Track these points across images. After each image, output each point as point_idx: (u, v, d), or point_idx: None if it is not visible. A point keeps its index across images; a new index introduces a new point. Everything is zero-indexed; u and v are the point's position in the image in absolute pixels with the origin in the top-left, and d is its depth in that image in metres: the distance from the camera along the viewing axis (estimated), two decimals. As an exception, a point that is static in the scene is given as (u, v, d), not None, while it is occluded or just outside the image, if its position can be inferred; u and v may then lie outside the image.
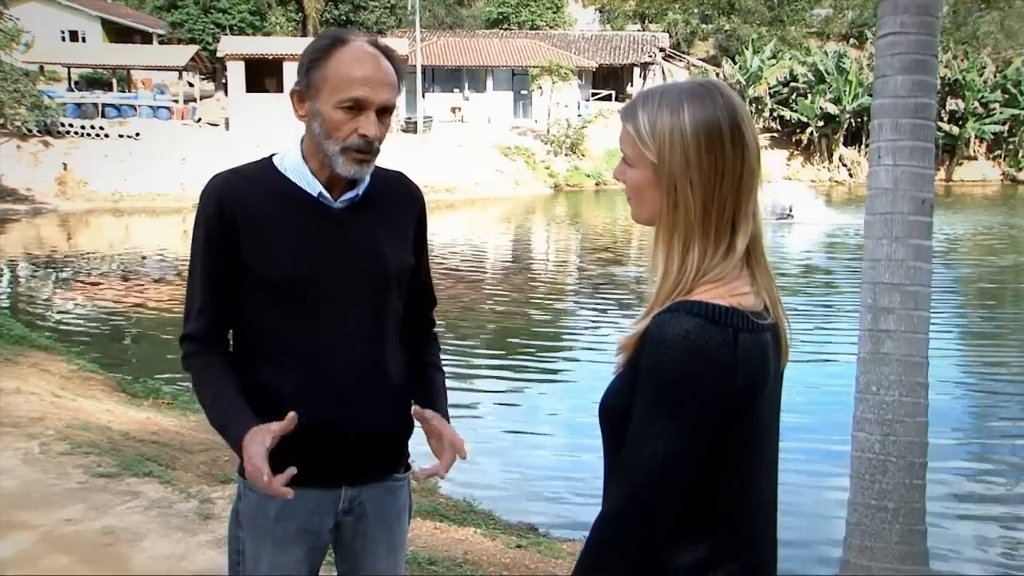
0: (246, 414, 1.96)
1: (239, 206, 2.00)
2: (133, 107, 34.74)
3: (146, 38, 44.58)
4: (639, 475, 1.41)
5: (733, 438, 1.45)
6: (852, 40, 52.93)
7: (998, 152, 44.76)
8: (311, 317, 2.02)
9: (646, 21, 56.20)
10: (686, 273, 1.46)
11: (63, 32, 43.03)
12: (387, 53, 2.01)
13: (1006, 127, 43.54)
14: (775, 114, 43.50)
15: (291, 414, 1.89)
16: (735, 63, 46.10)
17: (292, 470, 1.86)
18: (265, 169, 2.08)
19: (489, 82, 42.79)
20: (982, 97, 42.97)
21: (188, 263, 2.09)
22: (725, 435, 1.43)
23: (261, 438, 1.88)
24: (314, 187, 2.03)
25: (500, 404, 9.22)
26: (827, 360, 10.10)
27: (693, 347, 1.38)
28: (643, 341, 1.44)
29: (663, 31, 52.17)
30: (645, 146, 1.48)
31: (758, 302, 1.48)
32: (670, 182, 1.46)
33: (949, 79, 41.90)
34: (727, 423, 1.42)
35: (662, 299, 1.47)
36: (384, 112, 1.99)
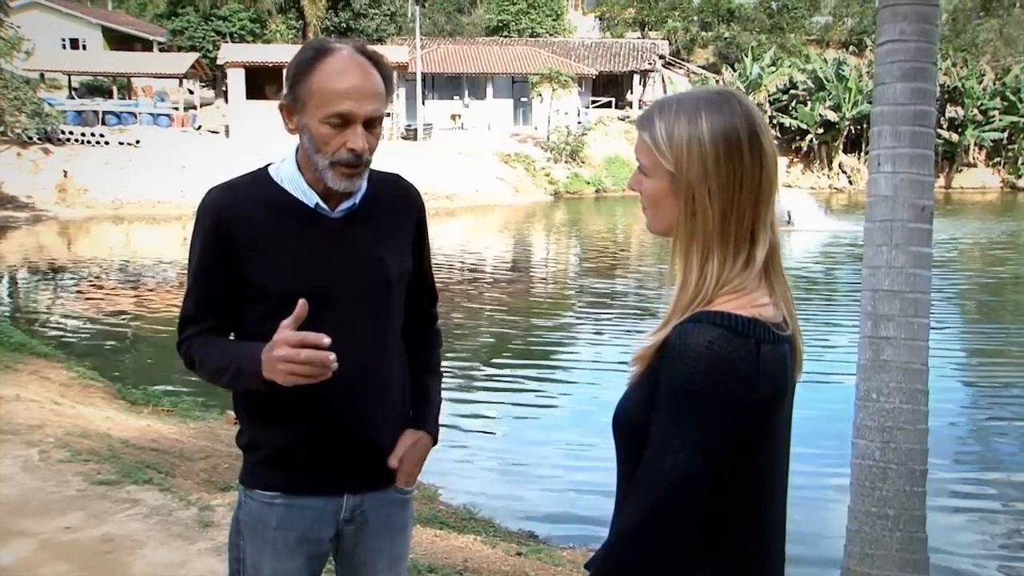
0: (256, 346, 1.90)
1: (237, 220, 1.99)
2: (133, 114, 34.80)
3: (146, 45, 44.72)
4: (660, 487, 1.39)
5: (751, 450, 1.44)
6: (852, 47, 53.03)
7: (997, 159, 44.80)
8: (313, 328, 2.01)
9: (646, 28, 56.29)
10: (705, 284, 1.44)
11: (63, 40, 43.17)
12: (374, 60, 1.98)
13: (1005, 134, 43.57)
14: (775, 121, 43.50)
15: (301, 301, 1.83)
16: (735, 70, 46.23)
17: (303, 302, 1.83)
18: (261, 180, 2.06)
19: (489, 89, 42.87)
20: (981, 104, 43.02)
21: (185, 275, 2.09)
22: (743, 447, 1.42)
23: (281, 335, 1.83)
24: (311, 198, 2.02)
25: (500, 410, 9.21)
26: (826, 367, 10.09)
27: (716, 358, 1.36)
28: (661, 352, 1.42)
29: (663, 38, 52.27)
30: (662, 155, 1.46)
31: (777, 313, 1.47)
32: (688, 192, 1.45)
33: (948, 86, 41.98)
34: (746, 435, 1.41)
35: (681, 309, 1.45)
36: (372, 123, 1.96)
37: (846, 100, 42.42)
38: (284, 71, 2.05)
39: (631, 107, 45.46)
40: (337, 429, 2.03)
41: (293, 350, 1.80)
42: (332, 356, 1.80)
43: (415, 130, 38.44)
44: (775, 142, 1.51)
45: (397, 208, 2.16)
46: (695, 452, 1.38)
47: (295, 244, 2.00)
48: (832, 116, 42.54)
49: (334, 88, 1.91)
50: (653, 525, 1.40)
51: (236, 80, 36.78)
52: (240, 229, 1.99)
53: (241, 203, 2.02)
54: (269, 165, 2.09)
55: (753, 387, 1.39)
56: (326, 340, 1.80)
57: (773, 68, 45.07)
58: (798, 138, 43.66)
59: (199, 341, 2.04)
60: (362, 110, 1.93)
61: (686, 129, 1.44)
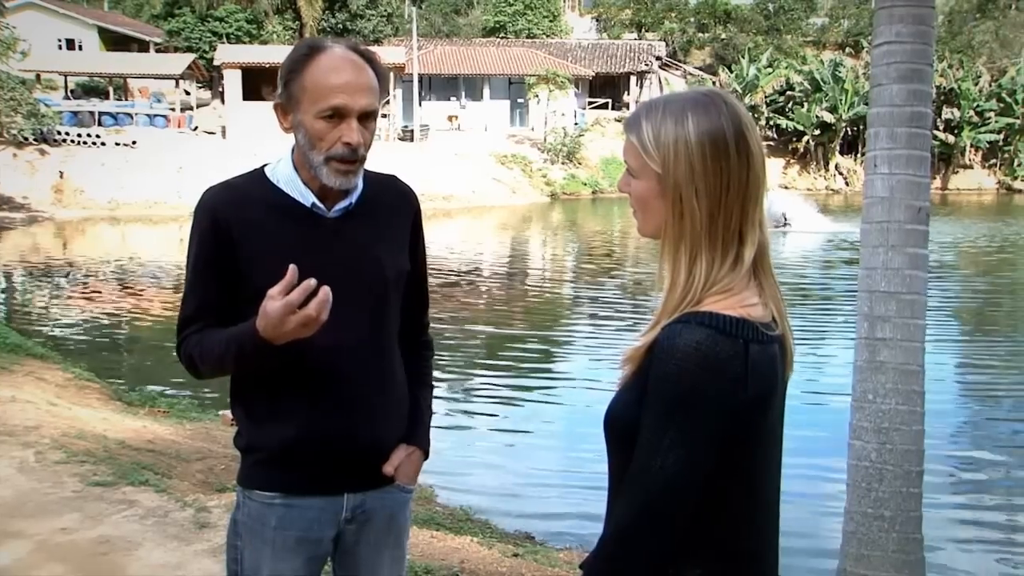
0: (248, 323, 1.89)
1: (234, 220, 1.99)
2: (130, 115, 34.79)
3: (143, 46, 44.69)
4: (649, 488, 1.40)
5: (741, 450, 1.44)
6: (848, 49, 53.06)
7: (993, 161, 44.90)
8: None
9: (643, 30, 56.30)
10: (694, 284, 1.45)
11: (60, 40, 43.14)
12: (367, 57, 2.00)
13: (1001, 136, 43.67)
14: (771, 123, 43.61)
15: (291, 267, 1.81)
16: (731, 72, 46.23)
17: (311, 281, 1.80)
18: (258, 180, 2.07)
19: (486, 90, 42.87)
20: (977, 106, 43.10)
21: (184, 276, 2.09)
22: (733, 447, 1.42)
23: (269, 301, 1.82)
24: (307, 198, 2.03)
25: (497, 413, 9.20)
26: (823, 369, 10.11)
27: (704, 359, 1.37)
28: (651, 353, 1.42)
29: (660, 40, 52.28)
30: (649, 156, 1.47)
31: (766, 313, 1.48)
32: (675, 192, 1.45)
33: (945, 88, 42.00)
34: (736, 435, 1.41)
35: (670, 310, 1.46)
36: (367, 118, 1.97)
37: (842, 102, 42.46)
38: (278, 71, 2.05)
39: (628, 108, 45.40)
40: (337, 429, 2.03)
41: (276, 299, 1.80)
42: (312, 281, 1.79)
43: (412, 131, 38.42)
44: (763, 142, 1.52)
45: (394, 208, 2.16)
46: (684, 453, 1.38)
47: (292, 244, 2.00)
48: (829, 117, 42.58)
49: (328, 83, 1.93)
50: (643, 526, 1.40)
51: (232, 81, 36.74)
52: (237, 229, 1.99)
53: (238, 203, 2.02)
54: (265, 165, 2.10)
55: (742, 387, 1.39)
56: (311, 282, 1.79)
57: (770, 70, 45.09)
58: (794, 139, 43.72)
59: (194, 339, 2.04)
60: (356, 104, 1.94)
61: (672, 130, 1.45)
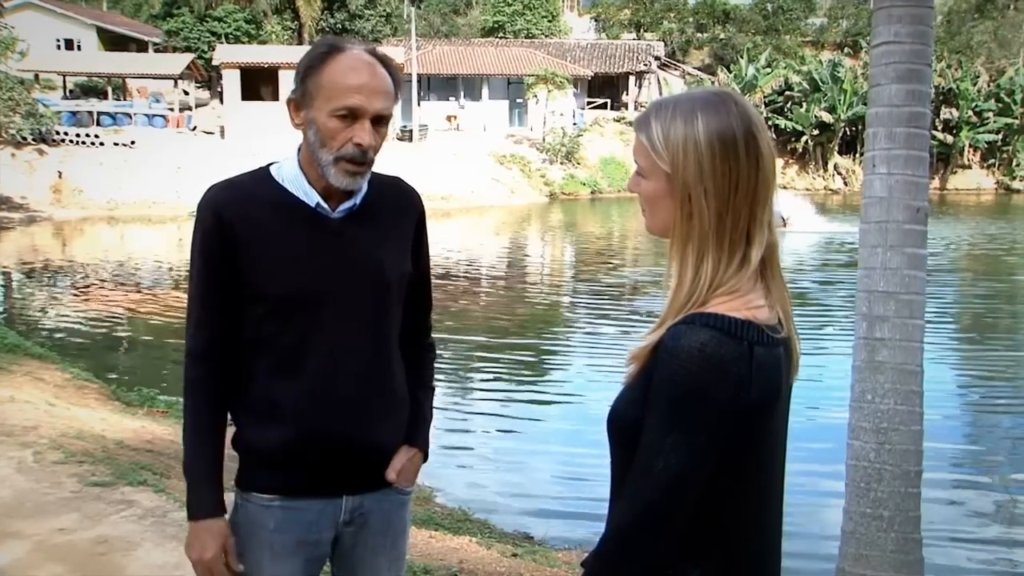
0: (216, 485, 2.10)
1: (237, 218, 1.98)
2: (128, 115, 34.79)
3: (141, 46, 44.71)
4: (651, 488, 1.39)
5: (745, 452, 1.44)
6: (847, 49, 53.07)
7: (992, 161, 44.92)
8: (311, 329, 2.00)
9: (641, 30, 56.33)
10: (700, 284, 1.44)
11: (58, 40, 43.15)
12: (384, 61, 1.99)
13: (1000, 136, 43.70)
14: (770, 123, 43.52)
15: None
16: (730, 72, 46.26)
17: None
18: (262, 179, 2.06)
19: (485, 91, 42.85)
20: (976, 106, 43.12)
21: (188, 274, 2.08)
22: (737, 449, 1.42)
23: (220, 544, 2.02)
24: (312, 197, 2.02)
25: (496, 413, 9.21)
26: (822, 369, 10.10)
27: (708, 360, 1.36)
28: (656, 352, 1.42)
29: (658, 40, 52.31)
30: (659, 156, 1.46)
31: (772, 315, 1.47)
32: (684, 192, 1.45)
33: (943, 88, 42.03)
34: (739, 437, 1.41)
35: (676, 310, 1.45)
36: (380, 121, 1.97)
37: (841, 102, 42.48)
38: (282, 70, 2.07)
39: (627, 108, 45.45)
40: (337, 431, 2.02)
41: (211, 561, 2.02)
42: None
43: (411, 131, 38.39)
44: (772, 143, 1.51)
45: (398, 210, 2.15)
46: (686, 454, 1.38)
47: (295, 243, 2.00)
48: (827, 118, 42.60)
49: (345, 83, 1.93)
50: (645, 526, 1.40)
51: (231, 81, 36.72)
52: (240, 227, 1.98)
53: (241, 201, 2.01)
54: (271, 164, 2.09)
55: (746, 390, 1.39)
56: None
57: (768, 70, 45.09)
58: (793, 140, 43.72)
59: (198, 373, 2.04)
60: (372, 106, 1.94)
61: (682, 130, 1.44)
